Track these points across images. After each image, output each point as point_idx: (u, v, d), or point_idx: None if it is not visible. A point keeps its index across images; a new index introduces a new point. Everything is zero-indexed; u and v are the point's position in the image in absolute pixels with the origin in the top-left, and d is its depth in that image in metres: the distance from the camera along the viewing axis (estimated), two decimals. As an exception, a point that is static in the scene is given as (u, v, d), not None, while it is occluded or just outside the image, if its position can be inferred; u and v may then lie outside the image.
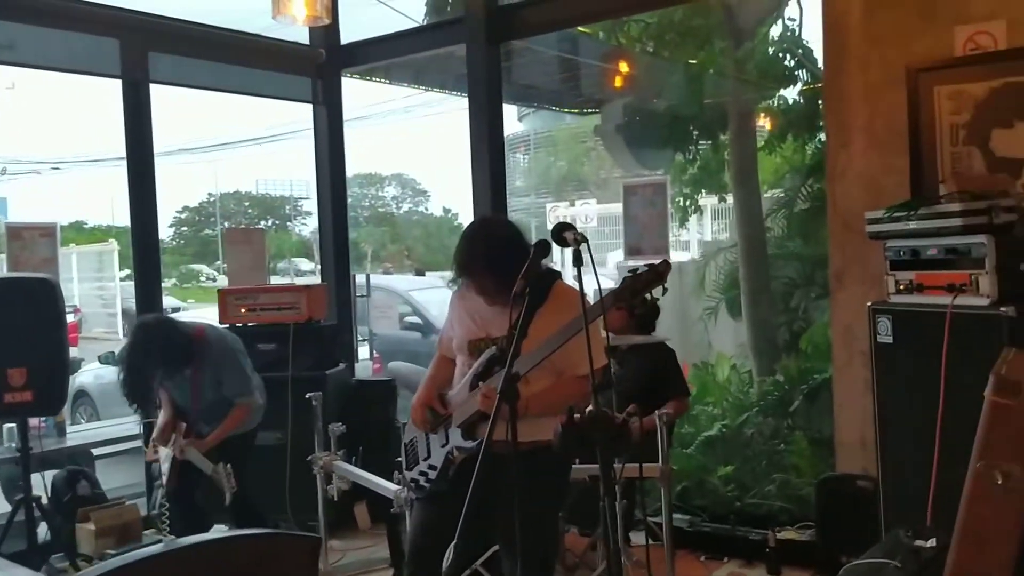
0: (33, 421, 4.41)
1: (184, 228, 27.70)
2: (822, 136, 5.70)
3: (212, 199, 27.89)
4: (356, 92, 7.37)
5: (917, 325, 3.19)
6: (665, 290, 2.48)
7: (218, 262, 22.07)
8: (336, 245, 5.99)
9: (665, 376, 4.20)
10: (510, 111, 13.74)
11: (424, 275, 14.18)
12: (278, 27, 5.03)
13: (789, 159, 7.37)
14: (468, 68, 5.26)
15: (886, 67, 3.75)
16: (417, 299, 9.43)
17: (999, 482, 1.67)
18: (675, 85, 7.49)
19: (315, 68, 5.83)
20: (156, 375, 4.10)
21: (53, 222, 4.92)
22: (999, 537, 1.68)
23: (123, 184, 5.07)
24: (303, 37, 5.83)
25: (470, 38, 5.20)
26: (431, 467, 2.92)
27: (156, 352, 4.02)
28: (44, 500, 4.37)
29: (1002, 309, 2.92)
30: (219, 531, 4.14)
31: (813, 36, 6.55)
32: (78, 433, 6.05)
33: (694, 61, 7.27)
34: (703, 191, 7.92)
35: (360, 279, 6.75)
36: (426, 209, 28.52)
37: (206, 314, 8.47)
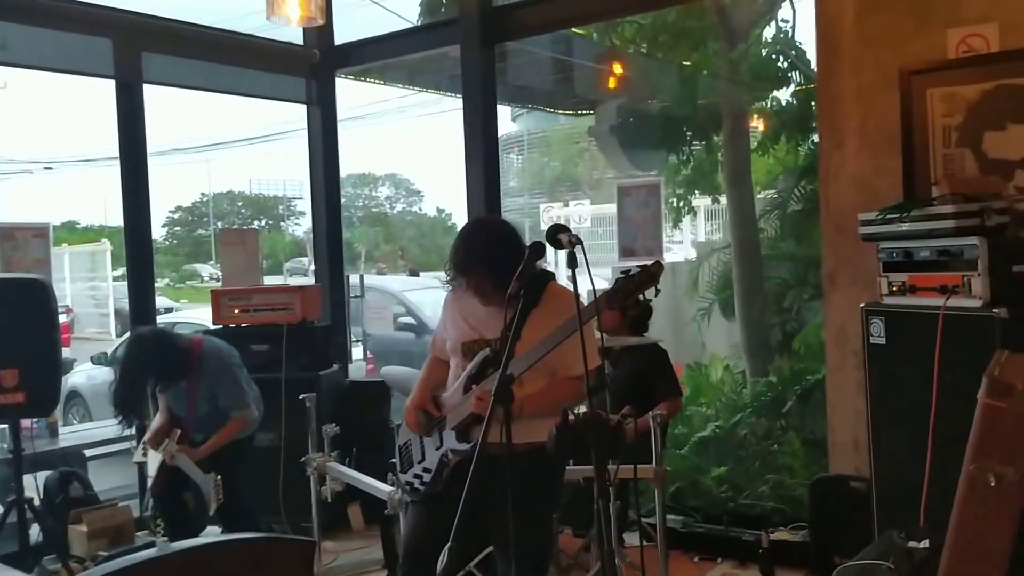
0: (25, 422, 4.39)
1: (177, 228, 27.67)
2: (815, 137, 5.71)
3: (205, 199, 27.86)
4: (350, 92, 7.37)
5: (910, 326, 3.20)
6: (658, 291, 2.49)
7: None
8: (330, 245, 5.98)
9: (657, 376, 4.21)
10: (504, 111, 13.75)
11: (418, 275, 14.19)
12: (272, 27, 5.02)
13: (782, 160, 7.40)
14: (462, 69, 5.25)
15: (879, 69, 3.76)
16: (411, 299, 9.43)
17: (992, 484, 1.68)
18: (669, 86, 7.52)
19: (309, 69, 5.81)
20: (149, 386, 4.12)
21: (46, 222, 4.90)
22: (992, 540, 1.68)
23: (116, 184, 5.06)
24: (297, 37, 5.82)
25: (464, 39, 5.20)
26: (426, 470, 2.92)
27: (151, 364, 4.05)
28: (36, 501, 4.35)
29: (994, 311, 2.92)
30: (212, 534, 4.14)
31: (806, 38, 6.59)
32: (70, 434, 6.02)
33: (688, 62, 7.29)
34: (696, 192, 7.95)
35: (354, 279, 6.74)
36: (420, 209, 28.56)
37: (199, 314, 8.48)
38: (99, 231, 20.41)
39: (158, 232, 23.25)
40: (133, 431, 4.74)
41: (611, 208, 5.40)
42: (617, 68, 7.95)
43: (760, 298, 6.95)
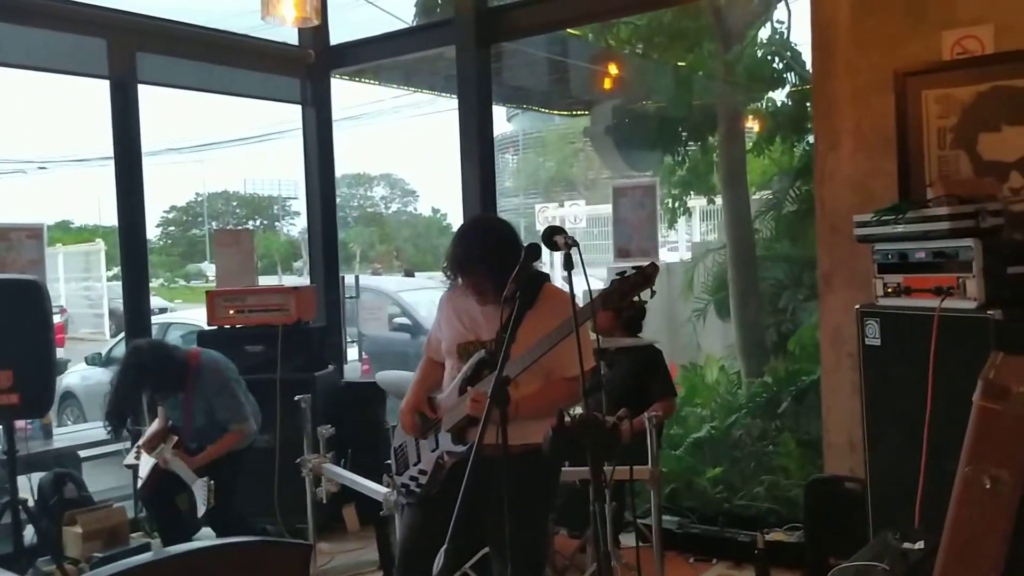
0: (19, 423, 4.38)
1: (172, 228, 27.64)
2: (810, 138, 5.72)
3: (200, 199, 27.83)
4: (345, 92, 7.35)
5: (905, 328, 3.20)
6: (653, 293, 2.49)
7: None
8: (325, 246, 5.98)
9: (652, 377, 4.21)
10: (499, 111, 13.74)
11: (413, 276, 14.19)
12: (267, 28, 5.01)
13: (777, 161, 7.40)
14: (458, 70, 5.25)
15: (874, 71, 3.77)
16: (406, 300, 9.42)
17: (987, 487, 1.68)
18: (664, 87, 7.51)
19: (304, 69, 5.81)
20: (145, 397, 4.14)
21: (40, 223, 4.88)
22: (987, 542, 1.69)
23: (110, 184, 5.05)
24: (292, 38, 5.81)
25: (460, 40, 5.19)
26: (421, 472, 2.92)
27: (147, 378, 4.06)
28: (30, 503, 4.34)
29: (989, 312, 2.93)
30: (207, 537, 4.14)
31: (802, 39, 6.59)
32: (64, 435, 6.00)
33: (683, 63, 7.29)
34: (692, 192, 7.94)
35: (349, 280, 6.73)
36: (415, 209, 28.55)
37: (194, 315, 8.46)
38: (93, 231, 20.37)
39: (152, 232, 23.21)
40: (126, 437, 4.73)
41: (606, 208, 5.40)
42: (612, 69, 7.95)
43: (755, 299, 6.96)
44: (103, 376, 7.72)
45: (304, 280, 7.53)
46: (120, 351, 6.58)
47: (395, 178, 28.54)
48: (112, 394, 4.07)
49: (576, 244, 2.30)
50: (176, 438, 4.13)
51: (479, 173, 5.12)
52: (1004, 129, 3.48)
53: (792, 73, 6.77)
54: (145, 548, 4.55)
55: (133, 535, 4.74)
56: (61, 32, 4.78)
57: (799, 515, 4.18)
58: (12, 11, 4.53)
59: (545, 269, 2.98)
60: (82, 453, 5.45)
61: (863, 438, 3.43)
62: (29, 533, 4.28)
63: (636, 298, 2.47)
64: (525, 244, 2.59)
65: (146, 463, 4.17)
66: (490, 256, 2.71)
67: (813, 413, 4.92)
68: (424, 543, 2.61)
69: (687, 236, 10.76)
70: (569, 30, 7.23)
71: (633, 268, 2.43)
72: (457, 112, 5.22)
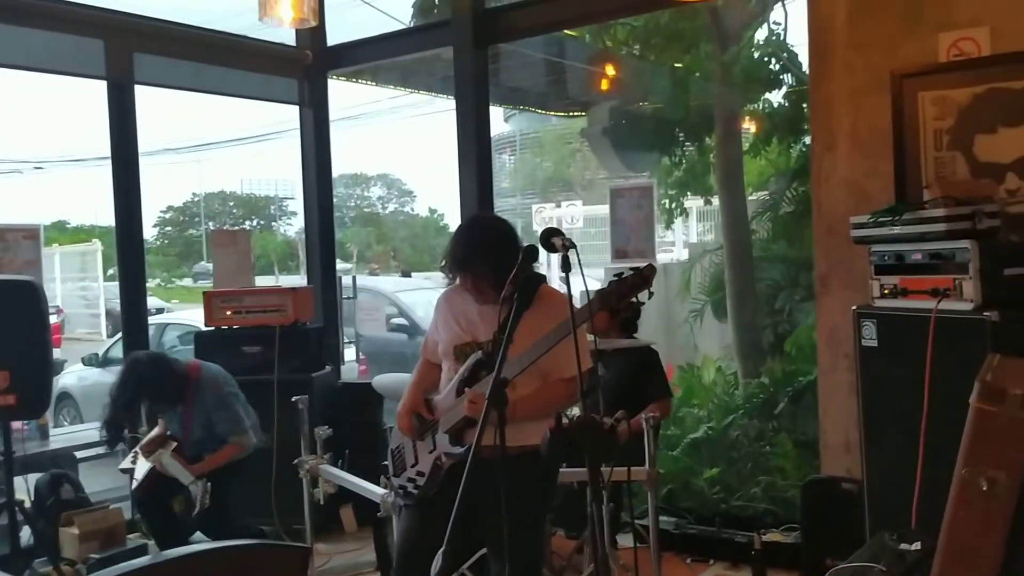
0: (16, 424, 4.37)
1: (168, 228, 27.61)
2: (807, 140, 5.73)
3: (197, 199, 27.82)
4: (342, 93, 7.35)
5: (901, 329, 3.21)
6: (651, 294, 2.49)
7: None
8: (322, 246, 5.97)
9: (648, 378, 4.21)
10: (496, 112, 13.76)
11: (410, 276, 14.19)
12: (264, 28, 5.00)
13: (774, 162, 7.41)
14: (455, 70, 5.25)
15: (871, 72, 3.77)
16: (403, 300, 9.41)
17: (984, 489, 1.68)
18: (661, 88, 7.53)
19: (301, 70, 5.81)
20: (143, 408, 4.14)
21: (36, 224, 4.87)
22: (984, 544, 1.69)
23: (107, 184, 5.05)
24: (289, 39, 5.81)
25: (457, 41, 5.19)
26: (419, 473, 2.92)
27: (146, 391, 4.06)
28: (27, 504, 4.33)
29: (986, 314, 2.93)
30: (203, 540, 4.14)
31: (798, 40, 6.60)
32: (61, 436, 5.99)
33: (680, 64, 7.30)
34: (688, 193, 7.95)
35: (346, 280, 6.73)
36: (412, 210, 28.56)
37: (191, 315, 8.45)
38: (90, 231, 20.33)
39: (149, 232, 23.17)
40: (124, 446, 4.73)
41: (603, 209, 5.40)
42: (609, 70, 7.95)
43: (752, 300, 6.97)
44: (100, 377, 7.72)
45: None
46: (117, 351, 6.59)
47: (392, 178, 28.58)
48: (110, 406, 4.08)
49: (574, 246, 2.31)
50: (175, 443, 4.13)
51: (476, 173, 5.13)
52: (1000, 131, 3.48)
53: (789, 74, 6.78)
54: (142, 549, 4.54)
55: (130, 536, 4.74)
56: (58, 33, 4.77)
57: (796, 516, 4.19)
58: (9, 12, 4.53)
59: (542, 270, 2.99)
60: (79, 454, 5.43)
61: (860, 439, 3.44)
62: (26, 534, 4.27)
63: (634, 299, 2.47)
64: (523, 247, 2.59)
65: (142, 466, 4.17)
66: (489, 254, 2.71)
67: (810, 414, 4.93)
68: (422, 544, 2.61)
69: (684, 237, 10.77)
70: (566, 31, 7.23)
71: (631, 270, 2.43)
72: (454, 113, 5.23)
